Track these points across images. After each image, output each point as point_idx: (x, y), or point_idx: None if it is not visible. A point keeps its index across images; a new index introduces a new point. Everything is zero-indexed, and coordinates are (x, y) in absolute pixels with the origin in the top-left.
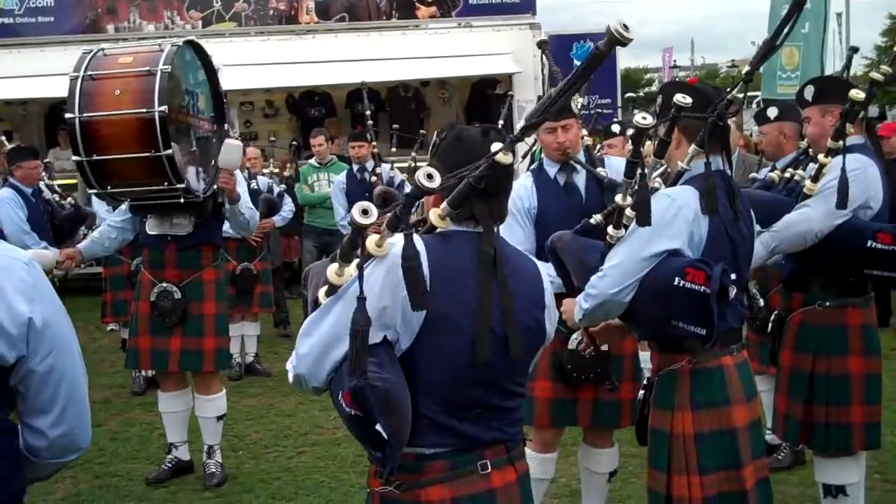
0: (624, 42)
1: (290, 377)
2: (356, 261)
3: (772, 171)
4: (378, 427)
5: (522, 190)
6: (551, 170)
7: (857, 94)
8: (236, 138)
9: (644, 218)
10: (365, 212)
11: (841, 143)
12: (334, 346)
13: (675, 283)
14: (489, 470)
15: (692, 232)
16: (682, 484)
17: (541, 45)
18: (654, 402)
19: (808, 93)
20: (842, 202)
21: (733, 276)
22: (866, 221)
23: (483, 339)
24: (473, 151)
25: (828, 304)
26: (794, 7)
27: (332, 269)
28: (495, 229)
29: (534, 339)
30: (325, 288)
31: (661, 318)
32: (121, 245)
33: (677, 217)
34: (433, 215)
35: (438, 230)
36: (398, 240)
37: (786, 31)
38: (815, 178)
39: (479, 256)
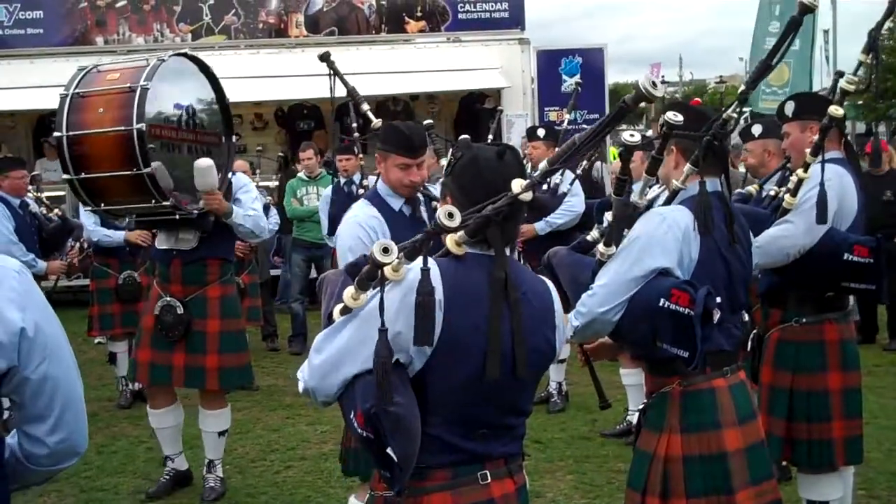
0: (651, 99)
1: (300, 387)
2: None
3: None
4: (388, 450)
5: (375, 222)
6: (395, 202)
7: (836, 110)
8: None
9: (617, 235)
10: (385, 250)
11: (819, 158)
12: (343, 364)
13: (661, 304)
14: (489, 481)
15: (682, 252)
16: None
17: (323, 57)
18: (644, 424)
19: (789, 108)
20: (821, 216)
21: (718, 300)
22: (844, 234)
23: (493, 360)
24: (489, 173)
25: (804, 320)
26: (791, 27)
27: (349, 292)
28: (507, 251)
29: (542, 359)
30: (340, 306)
31: (646, 339)
32: None
33: (667, 236)
34: (450, 242)
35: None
36: (415, 266)
37: (782, 50)
38: (794, 193)
39: (491, 280)
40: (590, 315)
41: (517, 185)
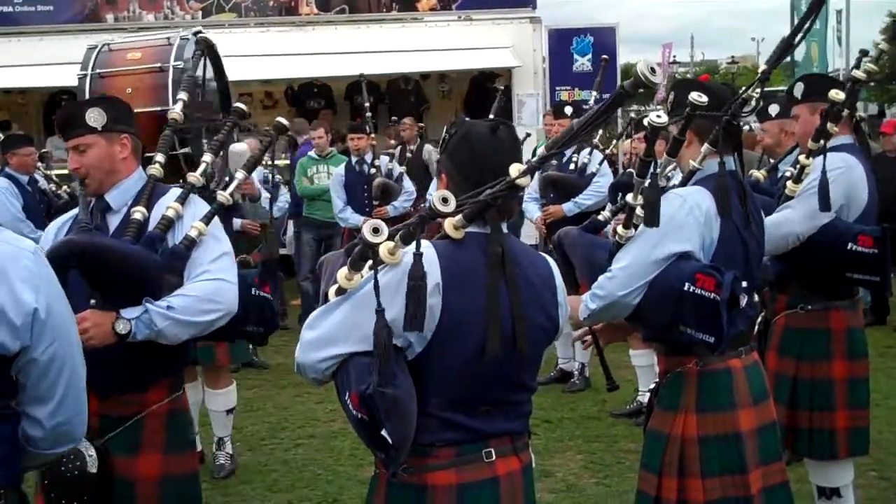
0: (649, 85)
1: (295, 366)
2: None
3: (771, 169)
4: (383, 432)
5: (52, 229)
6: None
7: (837, 94)
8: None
9: (651, 218)
10: (376, 230)
11: (821, 143)
12: (333, 344)
13: (685, 288)
14: (493, 458)
15: (703, 234)
16: (670, 487)
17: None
18: (658, 404)
19: (798, 90)
20: (824, 205)
21: (745, 284)
22: (848, 223)
23: (492, 336)
24: (482, 151)
25: (810, 307)
26: (815, 5)
27: (343, 273)
28: (503, 227)
29: (544, 334)
30: (335, 287)
31: (669, 323)
32: None
33: (689, 218)
34: (448, 226)
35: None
36: (412, 249)
37: (805, 28)
38: (797, 179)
39: (488, 256)
40: (609, 298)
41: (515, 169)
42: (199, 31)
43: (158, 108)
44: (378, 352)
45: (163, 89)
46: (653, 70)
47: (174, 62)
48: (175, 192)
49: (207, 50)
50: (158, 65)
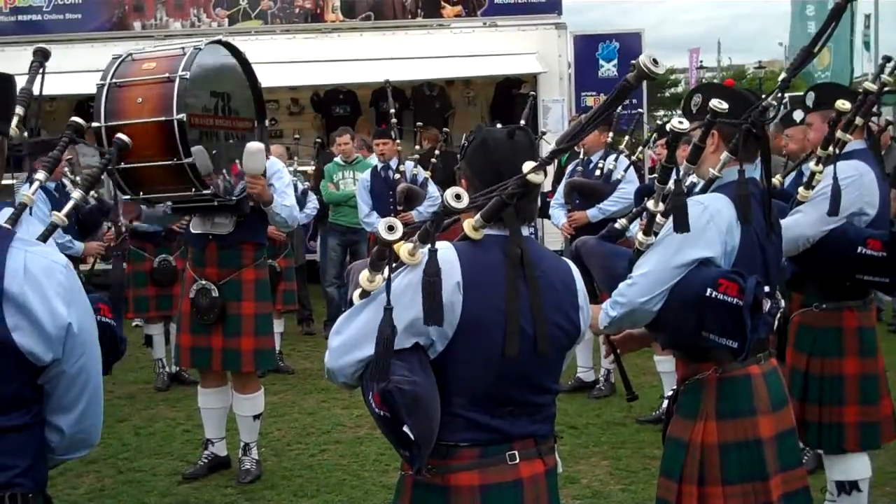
0: (652, 77)
1: (325, 371)
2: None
3: (791, 170)
4: (405, 429)
5: None
6: None
7: (843, 104)
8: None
9: (681, 224)
10: (391, 228)
11: (829, 151)
12: (360, 347)
13: (708, 293)
14: (517, 461)
15: (725, 241)
16: (690, 494)
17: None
18: (677, 411)
19: (810, 99)
20: (833, 209)
21: (766, 289)
22: (859, 228)
23: (511, 336)
24: (499, 155)
25: (824, 306)
26: (835, 13)
27: (364, 275)
28: (523, 230)
29: (565, 337)
30: (358, 290)
31: (691, 329)
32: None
33: (710, 225)
34: (467, 227)
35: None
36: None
37: (824, 38)
38: (808, 185)
39: (508, 258)
40: (630, 305)
41: (528, 166)
42: (218, 40)
43: (163, 118)
44: (378, 348)
45: (168, 99)
46: (655, 61)
47: (181, 72)
48: (7, 212)
49: (234, 55)
50: (166, 75)
